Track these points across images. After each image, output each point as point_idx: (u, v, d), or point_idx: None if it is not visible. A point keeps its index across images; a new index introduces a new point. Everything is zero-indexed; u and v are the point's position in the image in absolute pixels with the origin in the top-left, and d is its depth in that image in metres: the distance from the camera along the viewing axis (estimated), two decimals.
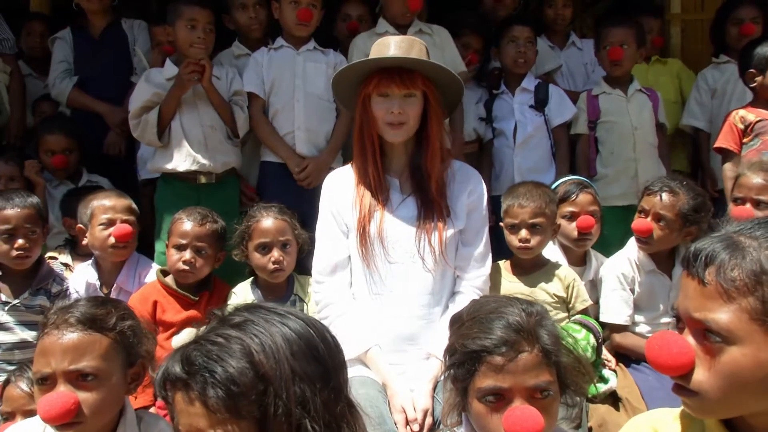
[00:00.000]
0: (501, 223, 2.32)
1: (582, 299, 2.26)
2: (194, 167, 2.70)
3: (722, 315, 0.92)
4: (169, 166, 2.73)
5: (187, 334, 2.21)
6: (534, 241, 2.22)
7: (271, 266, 2.22)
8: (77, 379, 1.35)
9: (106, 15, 3.39)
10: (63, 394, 1.32)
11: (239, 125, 2.79)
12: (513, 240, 2.25)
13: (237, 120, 2.78)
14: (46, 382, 1.36)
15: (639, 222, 2.34)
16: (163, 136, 2.74)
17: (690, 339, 0.97)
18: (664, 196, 2.30)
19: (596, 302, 2.45)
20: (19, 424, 1.53)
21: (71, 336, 1.37)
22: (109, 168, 3.21)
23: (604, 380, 2.16)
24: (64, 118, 3.27)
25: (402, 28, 2.95)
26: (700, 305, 0.96)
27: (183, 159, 2.71)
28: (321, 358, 0.99)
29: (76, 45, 3.40)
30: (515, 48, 3.09)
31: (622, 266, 2.41)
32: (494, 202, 3.09)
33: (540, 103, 3.09)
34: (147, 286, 2.32)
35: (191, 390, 0.91)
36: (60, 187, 3.05)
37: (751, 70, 2.88)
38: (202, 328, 1.00)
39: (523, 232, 2.21)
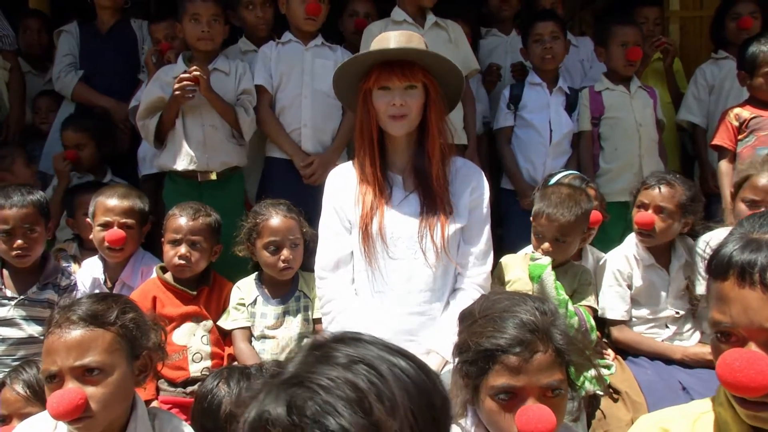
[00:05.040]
0: (531, 218, 2.25)
1: (582, 296, 2.24)
2: (192, 166, 2.72)
3: None
4: (171, 165, 2.77)
5: (187, 329, 2.24)
6: (556, 253, 2.15)
7: (281, 265, 2.25)
8: (83, 374, 1.37)
9: (115, 12, 3.38)
10: (71, 390, 1.33)
11: (244, 130, 2.78)
12: (537, 245, 2.21)
13: (242, 124, 2.76)
14: (54, 379, 1.37)
15: (642, 215, 2.37)
16: (165, 140, 2.77)
17: (759, 351, 0.95)
18: (663, 188, 2.35)
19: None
20: (30, 421, 1.53)
21: (74, 333, 1.38)
22: (112, 164, 3.21)
23: (606, 366, 2.21)
24: (82, 114, 3.25)
25: (418, 19, 2.93)
26: None
27: (182, 158, 2.73)
28: (437, 414, 0.83)
29: (83, 39, 3.38)
30: (541, 46, 3.06)
31: (618, 263, 2.45)
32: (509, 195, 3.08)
33: (570, 107, 3.10)
34: (147, 282, 2.34)
35: None
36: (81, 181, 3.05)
37: (742, 71, 2.93)
38: (296, 361, 0.84)
39: (546, 245, 2.16)
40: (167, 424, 1.53)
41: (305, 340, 0.88)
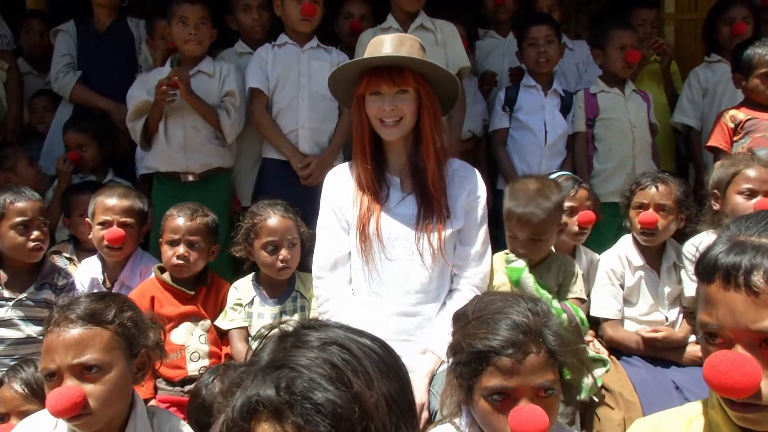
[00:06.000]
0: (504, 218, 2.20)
1: (569, 290, 2.19)
2: (173, 168, 2.78)
3: None
4: (155, 166, 2.84)
5: (185, 329, 2.25)
6: (534, 253, 2.13)
7: (279, 265, 2.26)
8: (82, 372, 1.38)
9: (112, 11, 3.39)
10: (69, 388, 1.35)
11: (226, 132, 2.80)
12: (511, 246, 2.17)
13: (223, 126, 2.79)
14: (54, 378, 1.39)
15: (646, 215, 2.39)
16: (152, 141, 2.82)
17: (747, 354, 0.96)
18: (660, 186, 2.39)
19: (586, 296, 2.50)
20: (30, 419, 1.55)
21: (73, 332, 1.40)
22: (111, 163, 3.23)
23: (603, 362, 2.20)
24: (83, 115, 3.28)
25: (406, 24, 2.97)
26: (756, 316, 0.95)
27: (163, 159, 2.79)
28: (403, 383, 0.93)
29: (80, 39, 3.39)
30: (535, 49, 3.10)
31: (612, 262, 2.48)
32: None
33: (565, 109, 3.14)
34: (145, 282, 2.36)
35: (286, 420, 0.79)
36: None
37: (737, 74, 2.96)
38: (269, 349, 0.90)
39: (521, 249, 2.13)
40: (166, 423, 1.55)
41: (273, 331, 0.95)
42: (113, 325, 1.45)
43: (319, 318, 2.05)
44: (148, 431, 1.49)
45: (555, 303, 2.07)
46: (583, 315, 2.12)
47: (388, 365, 0.90)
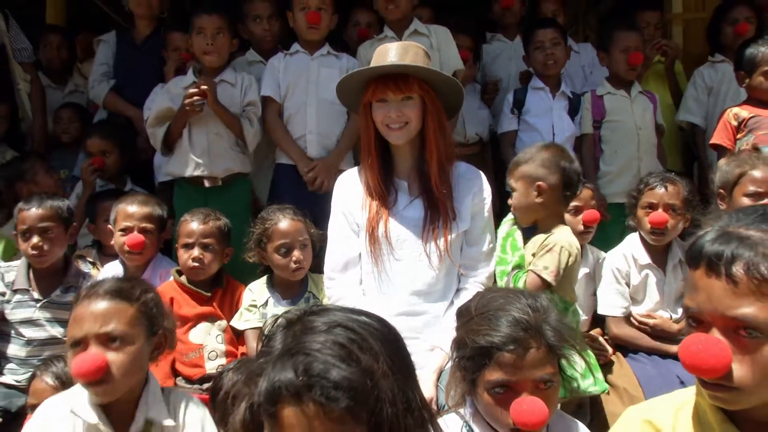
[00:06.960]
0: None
1: (534, 262, 2.02)
2: (197, 173, 2.84)
3: (760, 311, 0.97)
4: (177, 171, 2.89)
5: (203, 329, 2.33)
6: (517, 207, 2.13)
7: (293, 266, 2.33)
8: (106, 342, 1.48)
9: (152, 22, 3.44)
10: (94, 353, 1.45)
11: (248, 140, 2.87)
12: (511, 203, 2.18)
13: (246, 135, 2.86)
14: (79, 345, 1.48)
15: (656, 215, 2.42)
16: (174, 147, 2.88)
17: (720, 337, 1.01)
18: (669, 187, 2.43)
19: (593, 294, 2.54)
20: (52, 399, 1.62)
21: (101, 304, 1.51)
22: (131, 173, 3.29)
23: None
24: (107, 122, 3.37)
25: (401, 32, 3.03)
26: (733, 304, 0.99)
27: (187, 165, 2.84)
28: (403, 354, 1.02)
29: (119, 49, 3.47)
30: (542, 52, 3.15)
31: (618, 261, 2.51)
32: None
33: (573, 111, 3.18)
34: (164, 285, 2.43)
35: (308, 400, 0.88)
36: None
37: (741, 72, 2.97)
38: (279, 338, 0.98)
39: (514, 202, 2.15)
40: (181, 400, 1.63)
41: (279, 320, 1.04)
42: (138, 303, 1.55)
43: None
44: (161, 405, 1.58)
45: (508, 268, 2.08)
46: (519, 286, 1.99)
47: (389, 339, 0.99)
